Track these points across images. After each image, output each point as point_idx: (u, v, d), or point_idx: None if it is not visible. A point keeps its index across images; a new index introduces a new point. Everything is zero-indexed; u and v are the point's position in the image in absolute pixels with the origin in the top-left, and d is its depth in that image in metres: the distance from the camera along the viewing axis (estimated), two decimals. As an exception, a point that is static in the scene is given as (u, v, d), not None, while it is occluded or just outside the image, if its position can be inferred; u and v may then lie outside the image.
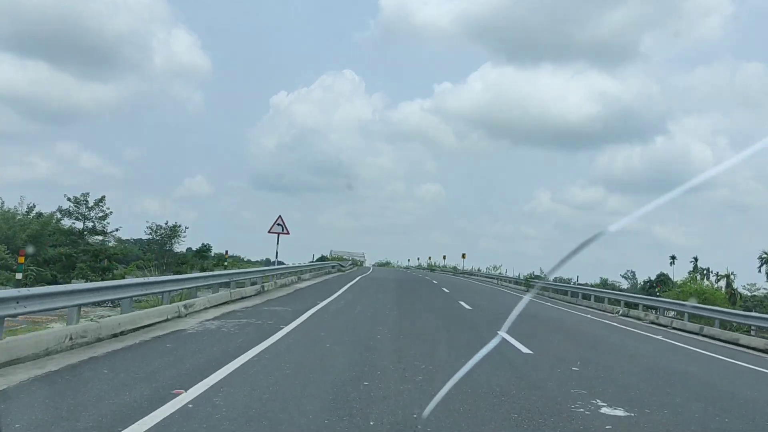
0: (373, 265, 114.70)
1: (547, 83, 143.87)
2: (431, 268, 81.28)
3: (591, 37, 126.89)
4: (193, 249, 77.30)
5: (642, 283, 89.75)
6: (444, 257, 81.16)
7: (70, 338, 8.12)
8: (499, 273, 58.24)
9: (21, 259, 15.40)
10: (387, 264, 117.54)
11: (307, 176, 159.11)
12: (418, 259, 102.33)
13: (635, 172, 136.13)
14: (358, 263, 77.62)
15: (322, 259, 66.76)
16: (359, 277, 38.68)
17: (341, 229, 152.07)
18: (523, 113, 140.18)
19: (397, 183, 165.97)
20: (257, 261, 68.28)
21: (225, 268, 24.16)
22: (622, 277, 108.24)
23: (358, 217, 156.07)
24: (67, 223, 55.44)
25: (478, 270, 65.66)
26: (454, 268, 72.31)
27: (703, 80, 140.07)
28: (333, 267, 47.19)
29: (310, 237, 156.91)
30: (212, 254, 75.33)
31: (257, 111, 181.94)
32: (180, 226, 70.83)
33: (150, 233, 70.45)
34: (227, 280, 16.44)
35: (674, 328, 20.04)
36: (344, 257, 77.13)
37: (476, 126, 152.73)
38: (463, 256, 72.51)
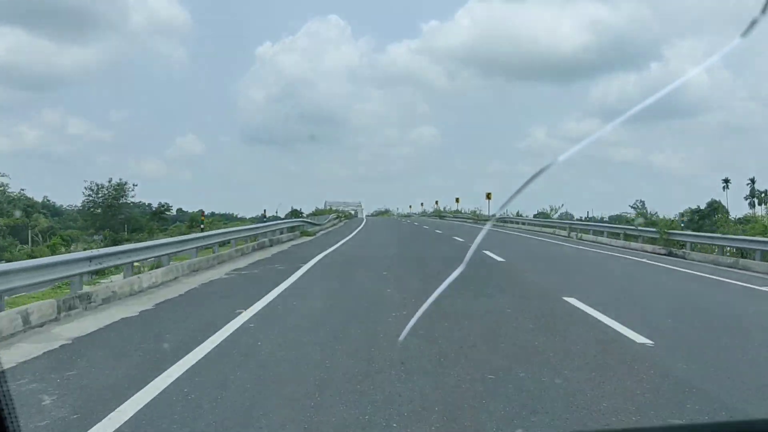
0: (369, 216, 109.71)
1: (537, 14, 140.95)
2: (439, 214, 73.88)
3: None
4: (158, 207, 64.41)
5: (686, 214, 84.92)
6: (457, 200, 71.88)
7: None
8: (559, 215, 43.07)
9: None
10: (385, 213, 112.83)
11: (299, 127, 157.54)
12: (422, 204, 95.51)
13: (631, 101, 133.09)
14: (349, 215, 71.64)
15: (314, 214, 60.91)
16: (338, 243, 25.74)
17: (337, 179, 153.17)
18: (514, 48, 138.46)
19: (390, 129, 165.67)
20: (252, 218, 64.30)
21: (202, 231, 18.91)
22: (631, 207, 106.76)
23: (353, 166, 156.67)
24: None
25: (519, 215, 44.84)
26: (475, 213, 58.48)
27: (695, 1, 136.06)
28: (292, 228, 28.79)
29: (308, 189, 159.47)
30: (173, 214, 66.42)
31: (243, 63, 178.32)
32: (126, 183, 59.46)
33: (90, 195, 58.41)
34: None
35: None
36: (333, 209, 71.96)
37: (467, 64, 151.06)
38: (488, 196, 66.23)
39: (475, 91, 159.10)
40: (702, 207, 72.68)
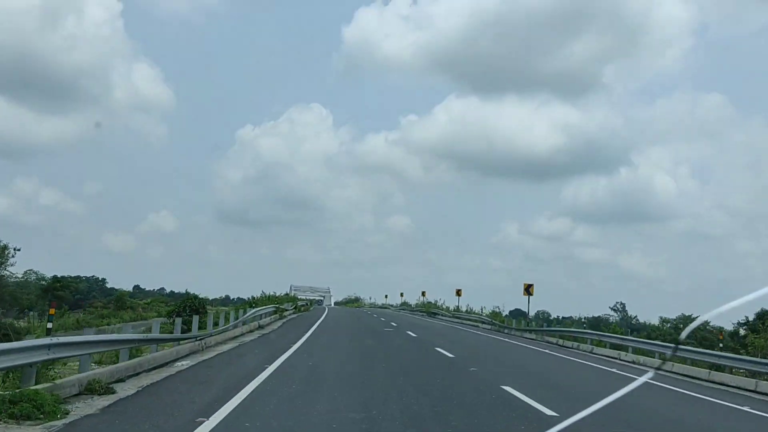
0: (337, 303, 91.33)
1: (513, 114, 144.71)
2: (429, 310, 56.35)
3: (554, 68, 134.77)
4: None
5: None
6: (423, 293, 54.94)
7: None
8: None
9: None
10: (356, 302, 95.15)
11: (273, 210, 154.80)
12: (402, 295, 77.60)
13: (600, 203, 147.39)
14: (307, 305, 54.11)
15: (250, 304, 43.14)
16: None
17: (309, 263, 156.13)
18: (489, 145, 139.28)
19: (364, 216, 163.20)
20: (215, 299, 62.80)
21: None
22: (612, 309, 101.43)
23: (326, 251, 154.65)
24: None
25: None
26: (497, 315, 42.89)
27: (664, 111, 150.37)
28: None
29: (277, 272, 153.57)
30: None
31: (223, 144, 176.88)
32: (6, 246, 46.84)
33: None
34: None
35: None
36: (296, 298, 54.88)
37: (443, 158, 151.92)
38: (458, 292, 50.13)
39: (449, 185, 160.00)
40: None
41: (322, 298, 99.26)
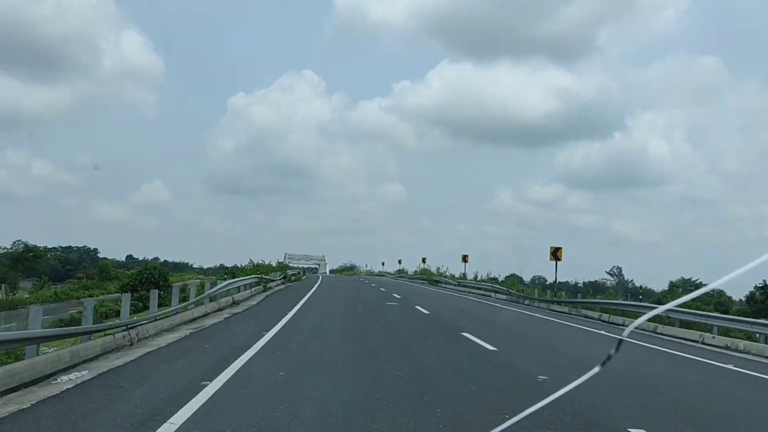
0: (332, 271, 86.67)
1: (506, 79, 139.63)
2: (430, 278, 50.88)
3: (548, 32, 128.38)
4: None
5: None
6: (465, 258, 46.27)
7: None
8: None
9: None
10: (351, 270, 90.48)
11: (266, 178, 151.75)
12: (400, 262, 72.65)
13: (594, 168, 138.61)
14: (299, 274, 49.32)
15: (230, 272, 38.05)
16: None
17: (303, 231, 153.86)
18: (483, 111, 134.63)
19: (358, 184, 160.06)
20: (209, 268, 61.32)
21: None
22: (609, 274, 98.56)
23: (320, 219, 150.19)
24: None
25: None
26: (515, 286, 37.05)
27: (658, 75, 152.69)
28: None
29: (271, 240, 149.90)
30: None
31: (214, 113, 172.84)
32: None
33: None
34: None
35: None
36: (284, 266, 50.07)
37: (436, 124, 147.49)
38: (465, 258, 44.73)
39: (443, 152, 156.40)
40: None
41: (317, 267, 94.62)
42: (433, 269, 53.84)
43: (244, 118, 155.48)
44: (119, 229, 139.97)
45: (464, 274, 45.94)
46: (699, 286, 56.73)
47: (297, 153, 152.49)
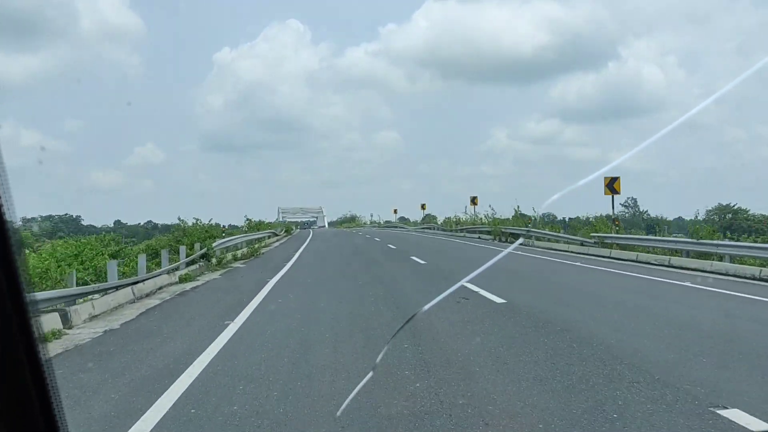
0: (324, 228, 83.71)
1: (495, 15, 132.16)
2: (449, 226, 45.26)
3: None
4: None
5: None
6: (474, 201, 42.30)
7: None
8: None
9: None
10: (351, 221, 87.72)
11: (259, 134, 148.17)
12: (423, 207, 61.15)
13: (590, 100, 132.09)
14: (288, 229, 46.29)
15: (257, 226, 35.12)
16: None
17: (299, 184, 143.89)
18: (473, 48, 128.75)
19: (352, 133, 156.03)
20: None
21: None
22: (623, 206, 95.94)
23: (316, 171, 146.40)
24: None
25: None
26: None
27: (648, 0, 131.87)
28: None
29: (270, 195, 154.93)
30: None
31: (200, 70, 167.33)
32: None
33: None
34: None
35: None
36: (268, 224, 47.17)
37: (427, 66, 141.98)
38: (474, 200, 41.17)
39: (435, 94, 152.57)
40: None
41: (314, 219, 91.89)
42: (439, 215, 50.77)
43: (231, 74, 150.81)
44: (110, 195, 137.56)
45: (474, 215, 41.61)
46: (737, 212, 51.98)
47: (287, 105, 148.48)
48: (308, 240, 37.64)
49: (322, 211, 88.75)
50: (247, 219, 42.03)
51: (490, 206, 31.49)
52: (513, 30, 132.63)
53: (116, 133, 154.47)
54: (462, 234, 39.66)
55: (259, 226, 38.21)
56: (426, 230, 49.62)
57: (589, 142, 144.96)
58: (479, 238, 34.74)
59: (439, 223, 49.00)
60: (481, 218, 38.82)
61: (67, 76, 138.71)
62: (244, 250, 25.81)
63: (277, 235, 38.82)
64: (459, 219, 43.97)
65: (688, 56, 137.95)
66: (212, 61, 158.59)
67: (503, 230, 30.87)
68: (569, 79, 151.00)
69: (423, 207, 54.92)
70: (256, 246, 27.86)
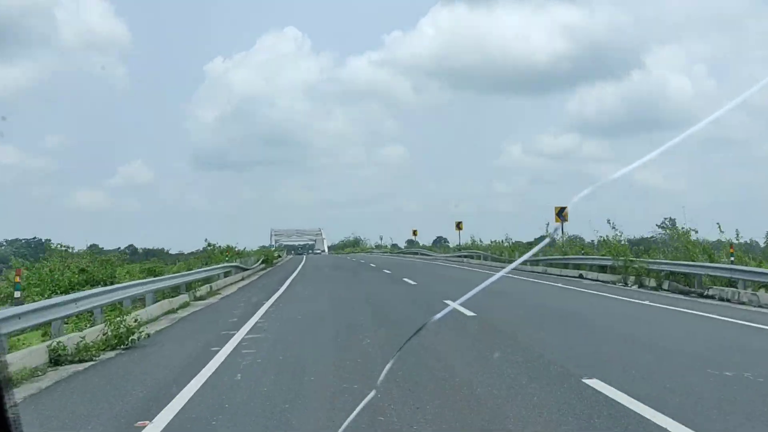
0: (323, 253, 69.72)
1: (507, 21, 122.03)
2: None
3: None
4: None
5: None
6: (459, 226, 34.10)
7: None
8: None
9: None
10: (355, 245, 74.26)
11: (254, 150, 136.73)
12: (459, 227, 49.71)
13: (611, 113, 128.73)
14: (269, 258, 33.60)
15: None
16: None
17: (298, 204, 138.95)
18: (484, 57, 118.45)
19: (355, 148, 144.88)
20: (190, 252, 43.26)
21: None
22: (660, 227, 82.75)
23: (316, 189, 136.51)
24: None
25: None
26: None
27: (676, 3, 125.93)
28: None
29: (266, 216, 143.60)
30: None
31: (192, 81, 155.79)
32: None
33: None
34: None
35: None
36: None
37: (434, 76, 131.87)
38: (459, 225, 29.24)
39: (444, 106, 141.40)
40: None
41: (312, 243, 79.08)
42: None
43: (224, 85, 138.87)
44: (91, 217, 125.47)
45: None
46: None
47: (285, 119, 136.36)
48: (290, 278, 24.50)
49: (321, 234, 75.82)
50: (208, 244, 29.49)
51: (613, 226, 18.54)
52: (527, 37, 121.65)
53: (100, 150, 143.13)
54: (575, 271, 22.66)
55: (212, 256, 25.40)
56: (467, 259, 35.95)
57: (611, 158, 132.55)
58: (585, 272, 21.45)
59: (484, 246, 35.62)
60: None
61: (46, 89, 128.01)
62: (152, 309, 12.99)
63: (243, 269, 25.71)
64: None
65: (718, 65, 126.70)
66: (204, 71, 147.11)
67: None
68: (588, 89, 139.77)
69: (459, 226, 41.30)
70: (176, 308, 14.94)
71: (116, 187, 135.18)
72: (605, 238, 20.34)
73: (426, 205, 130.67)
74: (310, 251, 68.62)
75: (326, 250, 70.46)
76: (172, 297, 16.12)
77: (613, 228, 19.31)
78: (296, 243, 69.82)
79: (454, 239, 48.63)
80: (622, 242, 19.66)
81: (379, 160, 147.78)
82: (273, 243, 62.13)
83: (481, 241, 35.04)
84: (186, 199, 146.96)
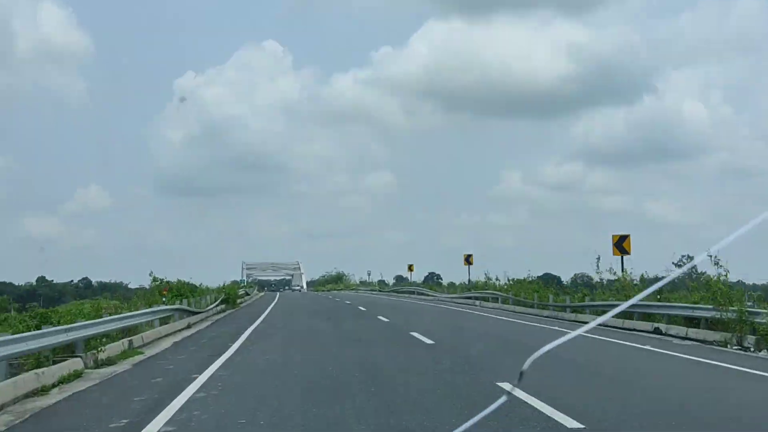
0: (301, 290, 62.41)
1: (507, 38, 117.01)
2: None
3: None
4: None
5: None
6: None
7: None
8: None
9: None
10: (338, 281, 67.56)
11: (226, 175, 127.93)
12: (410, 269, 49.59)
13: (620, 140, 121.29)
14: (230, 298, 27.55)
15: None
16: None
17: (274, 236, 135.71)
18: (481, 77, 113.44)
19: (338, 175, 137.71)
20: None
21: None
22: (677, 266, 77.64)
23: (294, 220, 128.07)
24: None
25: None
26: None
27: (691, 24, 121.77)
28: None
29: (238, 248, 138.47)
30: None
31: (158, 98, 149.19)
32: None
33: None
34: None
35: None
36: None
37: (427, 97, 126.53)
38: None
39: (437, 130, 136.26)
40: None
41: (289, 278, 72.56)
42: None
43: (195, 103, 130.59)
44: (43, 246, 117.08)
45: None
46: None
47: (261, 142, 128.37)
48: (250, 330, 18.07)
49: (299, 268, 68.84)
50: (154, 278, 23.54)
51: (715, 262, 13.16)
52: (529, 56, 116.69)
53: (54, 172, 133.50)
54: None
55: (157, 293, 19.19)
56: (480, 301, 29.58)
57: (619, 189, 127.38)
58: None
59: (497, 285, 29.44)
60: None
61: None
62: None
63: (192, 313, 19.39)
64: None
65: (736, 90, 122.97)
66: (173, 88, 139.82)
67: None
68: (595, 114, 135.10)
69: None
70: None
71: (71, 214, 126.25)
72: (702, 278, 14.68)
73: (416, 237, 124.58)
74: (287, 287, 62.27)
75: (305, 286, 63.91)
76: (54, 363, 10.12)
77: (716, 264, 13.47)
78: (271, 278, 63.45)
79: (449, 276, 43.49)
80: (728, 284, 13.82)
81: (364, 188, 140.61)
82: (244, 278, 55.84)
83: (497, 279, 29.08)
84: (149, 227, 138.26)
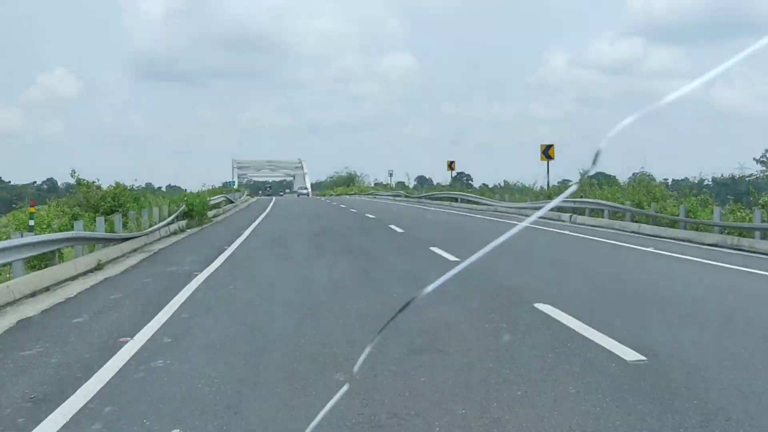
0: (302, 194, 53.57)
1: None
2: None
3: None
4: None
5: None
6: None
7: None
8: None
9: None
10: (347, 183, 58.68)
11: (215, 56, 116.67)
12: (451, 166, 38.61)
13: (687, 11, 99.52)
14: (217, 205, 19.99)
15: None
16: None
17: (273, 129, 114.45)
18: None
19: (348, 57, 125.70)
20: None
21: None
22: (758, 162, 68.56)
23: (295, 110, 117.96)
24: None
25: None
26: None
27: None
28: None
29: (229, 144, 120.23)
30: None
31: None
32: None
33: None
34: None
35: None
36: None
37: None
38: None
39: (466, 2, 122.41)
40: None
41: (290, 179, 64.18)
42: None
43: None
44: (11, 139, 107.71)
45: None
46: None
47: (255, 16, 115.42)
48: (196, 282, 10.00)
49: (302, 167, 59.63)
50: (77, 180, 16.15)
51: None
52: None
53: (12, 54, 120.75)
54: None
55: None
56: (570, 215, 19.94)
57: (685, 71, 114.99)
58: None
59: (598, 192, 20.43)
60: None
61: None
62: None
63: (114, 242, 11.33)
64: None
65: None
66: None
67: None
68: None
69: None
70: None
71: (31, 102, 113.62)
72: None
73: (438, 130, 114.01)
74: (287, 190, 54.45)
75: (309, 190, 55.28)
76: None
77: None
78: (268, 179, 55.61)
79: (481, 178, 35.27)
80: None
81: (379, 73, 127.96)
82: (234, 179, 48.15)
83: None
84: (124, 119, 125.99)
